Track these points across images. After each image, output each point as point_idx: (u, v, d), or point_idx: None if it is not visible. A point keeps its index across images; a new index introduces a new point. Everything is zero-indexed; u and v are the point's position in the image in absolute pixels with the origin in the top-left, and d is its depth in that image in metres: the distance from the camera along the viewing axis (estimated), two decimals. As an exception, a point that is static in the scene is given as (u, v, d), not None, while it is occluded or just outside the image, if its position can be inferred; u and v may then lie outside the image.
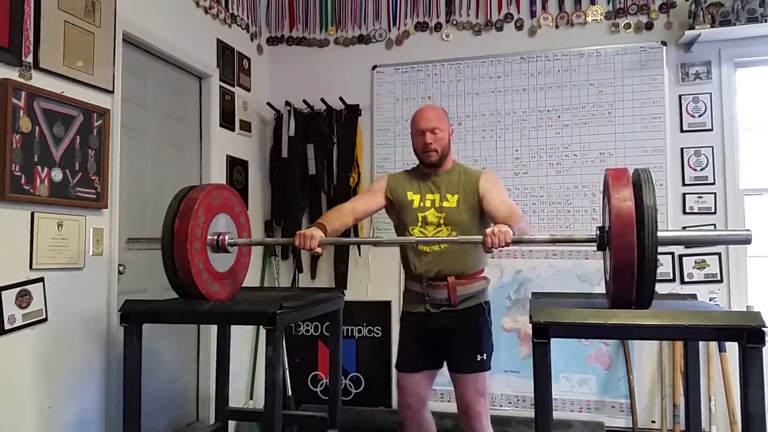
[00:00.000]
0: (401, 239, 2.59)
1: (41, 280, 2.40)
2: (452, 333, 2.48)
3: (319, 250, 2.29)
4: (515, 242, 2.11)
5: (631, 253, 1.80)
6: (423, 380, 2.55)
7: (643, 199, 1.83)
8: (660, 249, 1.83)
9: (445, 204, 2.48)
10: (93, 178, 2.65)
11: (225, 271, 2.43)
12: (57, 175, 2.46)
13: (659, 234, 1.81)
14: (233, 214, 2.50)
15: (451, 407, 2.66)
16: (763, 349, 1.74)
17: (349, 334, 3.89)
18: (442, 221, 2.46)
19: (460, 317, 2.47)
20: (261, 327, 2.21)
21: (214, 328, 3.25)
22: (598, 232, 2.04)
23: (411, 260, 2.51)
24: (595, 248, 2.07)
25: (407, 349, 2.59)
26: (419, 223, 2.49)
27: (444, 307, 2.47)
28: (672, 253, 3.59)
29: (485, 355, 2.47)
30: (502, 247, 2.08)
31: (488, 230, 2.08)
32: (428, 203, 2.50)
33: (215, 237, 2.34)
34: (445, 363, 2.57)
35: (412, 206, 2.51)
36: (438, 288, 2.46)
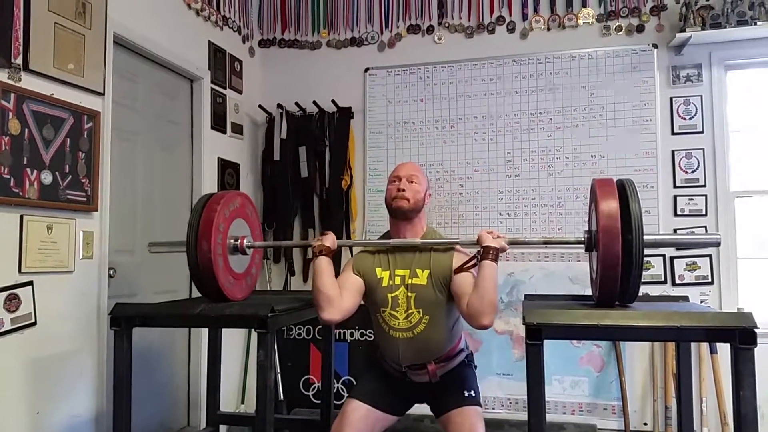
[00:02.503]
0: (405, 242, 2.33)
1: (30, 283, 2.37)
2: (433, 389, 2.36)
3: (333, 245, 2.33)
4: (510, 243, 2.22)
5: (617, 254, 1.91)
6: (374, 420, 2.30)
7: (629, 205, 1.95)
8: (646, 251, 1.95)
9: (415, 281, 2.27)
10: (83, 180, 2.63)
11: (242, 272, 2.51)
12: (47, 177, 2.44)
13: (645, 237, 1.93)
14: (248, 218, 2.57)
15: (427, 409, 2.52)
16: (755, 350, 1.75)
17: (342, 337, 3.88)
18: (412, 303, 2.26)
19: (442, 380, 2.36)
20: (253, 330, 2.20)
21: (205, 331, 3.24)
22: (586, 234, 2.13)
23: (384, 344, 2.36)
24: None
25: (371, 383, 2.41)
26: (389, 306, 2.29)
27: (424, 380, 2.35)
28: (663, 255, 3.60)
29: (472, 391, 2.32)
30: (498, 245, 2.15)
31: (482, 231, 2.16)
32: (398, 281, 2.29)
33: (234, 240, 2.44)
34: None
35: (381, 284, 2.31)
36: (417, 374, 2.33)
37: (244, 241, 2.47)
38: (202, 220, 2.31)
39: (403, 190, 2.31)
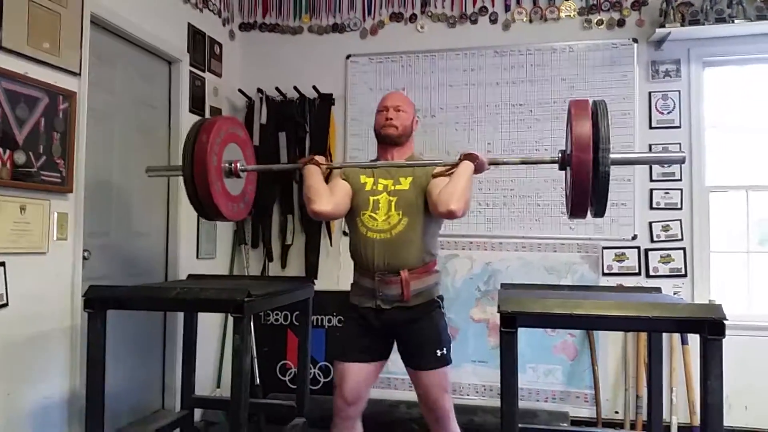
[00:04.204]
0: (392, 163, 2.43)
1: (2, 264, 2.34)
2: (406, 328, 2.37)
3: (322, 161, 2.44)
4: (490, 162, 2.42)
5: (588, 170, 2.08)
6: (366, 374, 2.39)
7: (599, 126, 2.09)
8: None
9: (397, 187, 2.39)
10: (58, 161, 2.59)
11: (238, 194, 2.62)
12: (20, 157, 2.40)
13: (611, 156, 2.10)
14: (240, 142, 2.65)
15: (404, 395, 2.55)
16: (724, 341, 1.79)
17: (319, 323, 3.89)
18: (392, 205, 2.35)
19: (414, 313, 2.36)
20: (229, 315, 2.20)
21: (181, 314, 3.22)
22: (560, 154, 2.29)
23: (360, 250, 2.39)
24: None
25: (352, 339, 2.43)
26: (369, 208, 2.38)
27: (396, 303, 2.35)
28: (638, 248, 3.66)
29: (444, 349, 2.37)
30: (474, 154, 2.31)
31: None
32: (381, 187, 2.40)
33: (228, 164, 2.52)
34: (397, 358, 2.44)
35: (364, 188, 2.42)
36: (390, 283, 2.33)
37: (238, 164, 2.55)
38: (196, 146, 2.38)
39: (392, 119, 2.44)
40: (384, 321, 2.38)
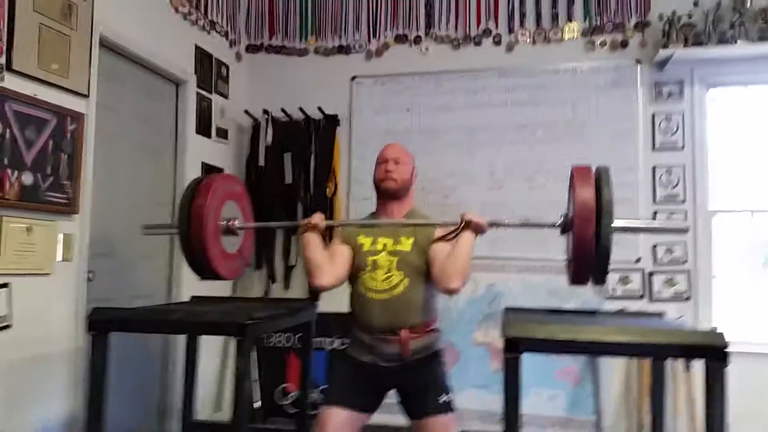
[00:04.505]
0: (392, 222, 2.40)
1: (6, 285, 2.35)
2: (404, 380, 2.31)
3: (321, 223, 2.40)
4: (491, 224, 2.34)
5: (590, 237, 2.05)
6: (349, 421, 2.29)
7: (602, 193, 2.08)
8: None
9: (398, 247, 2.33)
10: (65, 183, 2.61)
11: (234, 252, 2.58)
12: (27, 178, 2.42)
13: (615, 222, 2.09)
14: (237, 197, 2.63)
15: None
16: (728, 368, 1.78)
17: (321, 345, 3.87)
18: (393, 265, 2.30)
19: (413, 369, 2.30)
20: (231, 337, 2.20)
21: (182, 336, 3.21)
22: (562, 218, 2.28)
23: (360, 309, 2.34)
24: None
25: (342, 384, 2.36)
26: (369, 268, 2.31)
27: (395, 361, 2.29)
28: (642, 270, 3.64)
29: (447, 396, 2.30)
30: (474, 219, 2.28)
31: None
32: (380, 246, 2.34)
33: (225, 222, 2.50)
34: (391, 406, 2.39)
35: (363, 249, 2.36)
36: (389, 342, 2.28)
37: (236, 222, 2.53)
38: (192, 210, 2.36)
39: (391, 171, 2.40)
40: (381, 375, 2.33)
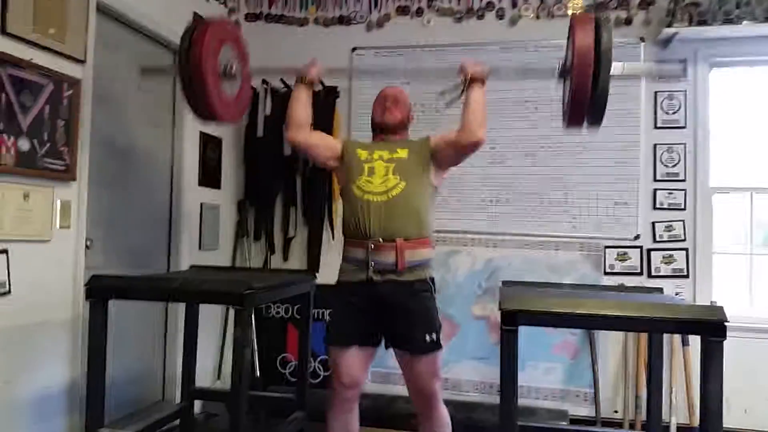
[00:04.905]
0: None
1: (5, 251, 2.34)
2: (397, 306, 2.31)
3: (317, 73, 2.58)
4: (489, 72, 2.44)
5: (588, 81, 2.16)
6: (360, 358, 2.37)
7: (602, 39, 2.16)
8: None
9: (394, 155, 2.42)
10: (62, 149, 2.58)
11: (233, 96, 2.61)
12: (24, 144, 2.40)
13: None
14: (234, 43, 2.63)
15: (402, 390, 2.54)
16: (725, 342, 1.79)
17: (320, 316, 3.88)
18: (390, 170, 2.37)
19: (406, 289, 2.31)
20: (230, 307, 2.20)
21: (182, 306, 3.22)
22: (560, 65, 2.40)
23: (355, 216, 2.36)
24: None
25: (342, 321, 2.40)
26: (365, 173, 2.39)
27: (389, 275, 2.30)
28: (640, 248, 3.65)
29: (434, 334, 2.32)
30: (477, 71, 2.39)
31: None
32: (376, 156, 2.43)
33: (223, 66, 2.51)
34: (384, 341, 2.42)
35: (360, 158, 2.45)
36: (385, 250, 2.29)
37: (234, 66, 2.56)
38: (191, 48, 2.35)
39: (391, 107, 2.51)
40: (375, 298, 2.32)
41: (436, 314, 2.38)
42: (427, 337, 2.31)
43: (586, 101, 2.20)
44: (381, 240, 2.31)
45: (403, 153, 2.43)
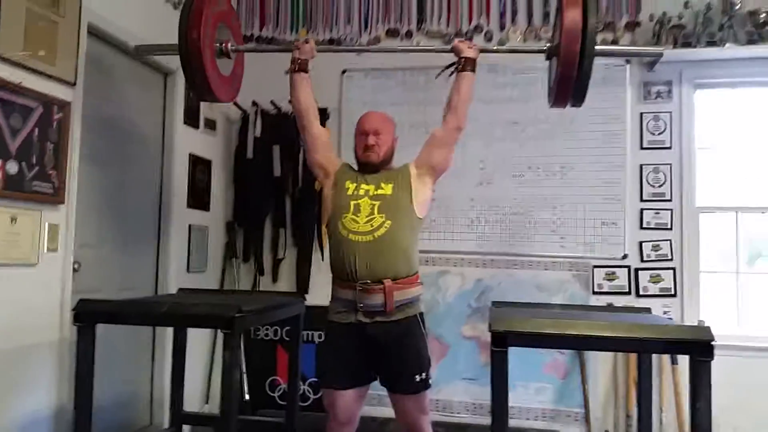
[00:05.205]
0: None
1: (-9, 275, 2.32)
2: (386, 348, 2.31)
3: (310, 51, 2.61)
4: (480, 51, 2.59)
5: (574, 60, 2.33)
6: (355, 397, 2.38)
7: (588, 20, 2.32)
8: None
9: (379, 192, 2.39)
10: (51, 172, 2.58)
11: (228, 75, 2.72)
12: (12, 167, 2.39)
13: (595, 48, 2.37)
14: (230, 24, 2.71)
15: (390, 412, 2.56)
16: (714, 361, 1.80)
17: (309, 339, 3.86)
18: (376, 209, 2.35)
19: (395, 329, 2.31)
20: (219, 330, 2.19)
21: (170, 329, 3.19)
22: (548, 46, 2.60)
23: (341, 256, 2.35)
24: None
25: (336, 364, 2.38)
26: (350, 211, 2.36)
27: (378, 317, 2.30)
28: (628, 267, 3.67)
29: (424, 374, 2.34)
30: (474, 56, 2.52)
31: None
32: (362, 192, 2.40)
33: (219, 44, 2.61)
34: (378, 378, 2.43)
35: (346, 192, 2.42)
36: (372, 292, 2.28)
37: (229, 44, 2.65)
38: (189, 19, 2.45)
39: (372, 145, 2.45)
40: (365, 340, 2.32)
41: (425, 352, 2.38)
42: (417, 378, 2.33)
43: (572, 77, 2.37)
44: (369, 282, 2.29)
45: (387, 189, 2.41)
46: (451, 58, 2.60)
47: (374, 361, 2.36)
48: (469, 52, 2.52)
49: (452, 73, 2.54)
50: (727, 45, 3.51)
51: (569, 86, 2.42)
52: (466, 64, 2.50)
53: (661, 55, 2.93)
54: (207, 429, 3.54)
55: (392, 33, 4.10)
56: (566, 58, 2.34)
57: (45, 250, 2.58)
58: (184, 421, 3.03)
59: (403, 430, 2.44)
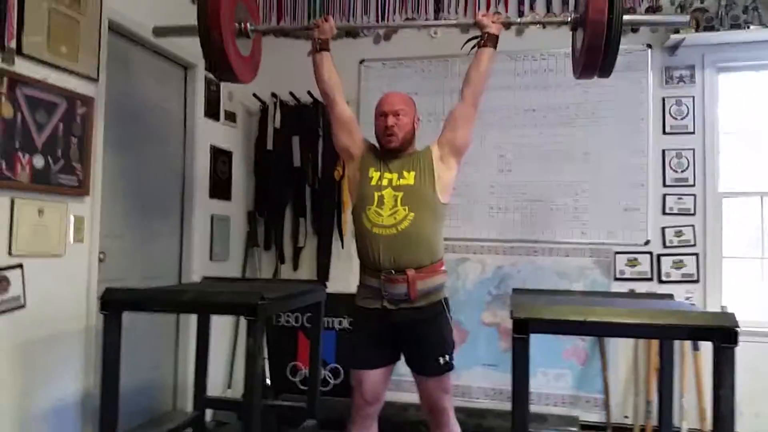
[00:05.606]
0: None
1: (20, 266, 2.38)
2: (412, 331, 2.36)
3: (330, 30, 2.58)
4: (504, 24, 2.60)
5: (602, 28, 2.30)
6: (382, 378, 2.44)
7: None
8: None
9: (402, 181, 2.38)
10: (75, 165, 2.63)
11: (247, 55, 2.72)
12: (39, 161, 2.44)
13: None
14: (249, 6, 2.72)
15: (413, 398, 2.60)
16: (736, 348, 1.79)
17: (330, 325, 3.90)
18: (399, 201, 2.35)
19: (420, 314, 2.35)
20: (242, 317, 2.22)
21: (194, 316, 3.25)
22: (573, 15, 2.55)
23: (366, 248, 2.38)
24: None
25: (363, 346, 2.45)
26: (375, 203, 2.36)
27: (402, 304, 2.33)
28: (650, 253, 3.64)
29: (447, 356, 2.37)
30: (497, 31, 2.51)
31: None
32: (385, 182, 2.39)
33: (238, 24, 2.60)
34: (403, 357, 2.47)
35: (370, 182, 2.41)
36: (396, 282, 2.31)
37: (248, 24, 2.64)
38: (209, 7, 2.44)
39: (392, 126, 2.41)
40: (390, 323, 2.37)
41: (449, 336, 2.41)
42: (441, 360, 2.36)
43: (600, 46, 2.33)
44: (393, 272, 2.32)
45: (410, 178, 2.39)
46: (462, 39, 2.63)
47: (399, 343, 2.43)
48: (492, 28, 2.50)
49: (473, 47, 2.53)
50: (752, 27, 3.44)
51: (597, 56, 2.39)
52: (488, 40, 2.48)
53: (687, 22, 2.92)
54: (229, 414, 3.61)
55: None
56: (594, 26, 2.31)
57: (71, 241, 2.64)
58: (207, 406, 3.08)
59: (425, 407, 2.46)
